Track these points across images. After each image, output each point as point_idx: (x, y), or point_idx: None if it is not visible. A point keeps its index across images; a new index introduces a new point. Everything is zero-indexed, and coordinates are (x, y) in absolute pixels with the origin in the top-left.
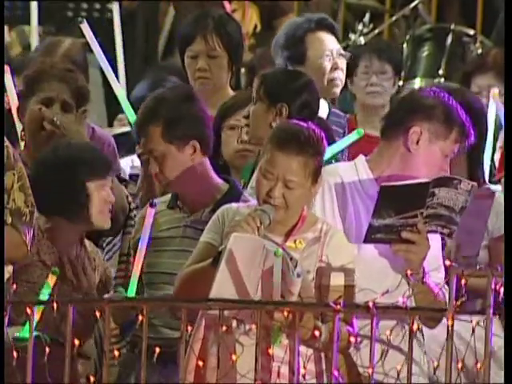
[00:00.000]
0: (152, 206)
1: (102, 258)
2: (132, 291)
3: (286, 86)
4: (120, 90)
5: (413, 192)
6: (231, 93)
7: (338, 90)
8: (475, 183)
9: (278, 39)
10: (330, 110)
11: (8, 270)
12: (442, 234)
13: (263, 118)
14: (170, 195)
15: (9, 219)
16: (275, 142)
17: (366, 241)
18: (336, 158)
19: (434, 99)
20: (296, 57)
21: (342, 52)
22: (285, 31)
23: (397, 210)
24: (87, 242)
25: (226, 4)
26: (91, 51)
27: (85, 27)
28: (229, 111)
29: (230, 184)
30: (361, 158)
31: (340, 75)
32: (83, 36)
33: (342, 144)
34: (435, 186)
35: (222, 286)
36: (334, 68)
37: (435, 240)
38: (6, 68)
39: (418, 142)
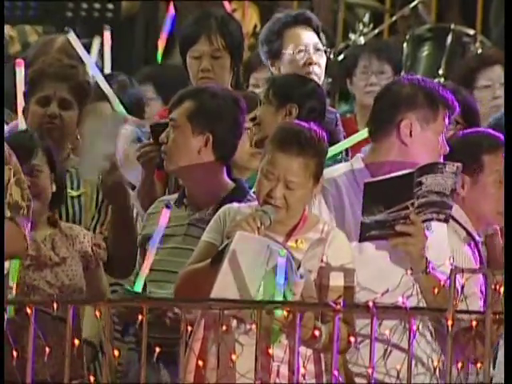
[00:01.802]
0: (168, 207)
1: (88, 237)
2: (138, 287)
3: (294, 90)
4: (113, 96)
5: (398, 184)
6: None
7: None
8: (460, 164)
9: (261, 35)
10: None
11: (5, 266)
12: (438, 220)
13: (273, 119)
14: (177, 194)
15: (7, 213)
16: (276, 143)
17: (361, 239)
18: (336, 159)
19: (411, 86)
20: (273, 52)
21: (320, 47)
22: (266, 26)
23: (386, 205)
24: (67, 225)
25: (226, 4)
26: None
27: (72, 37)
28: None
29: (236, 184)
30: (357, 157)
31: (315, 70)
32: (83, 36)
33: (347, 143)
34: (421, 175)
35: (224, 286)
36: (308, 63)
37: (441, 231)
38: (21, 62)
39: (410, 134)
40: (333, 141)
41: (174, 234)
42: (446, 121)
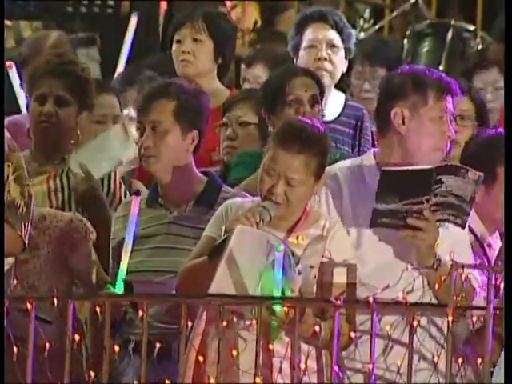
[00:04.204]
0: (137, 194)
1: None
2: (120, 287)
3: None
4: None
5: (415, 178)
6: (218, 84)
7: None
8: (482, 174)
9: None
10: (345, 102)
11: (8, 261)
12: (454, 223)
13: None
14: (146, 193)
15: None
16: (278, 140)
17: (371, 225)
18: (345, 155)
19: (401, 75)
20: (294, 48)
21: (336, 43)
22: (293, 23)
23: (400, 196)
24: (44, 211)
25: (226, 0)
26: (91, 45)
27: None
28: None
29: (208, 177)
30: (370, 152)
31: (326, 66)
32: (83, 31)
33: None
34: (442, 174)
35: (223, 281)
36: (318, 58)
37: (460, 233)
38: (11, 65)
39: (403, 122)
40: (359, 138)
41: (153, 234)
42: (445, 104)
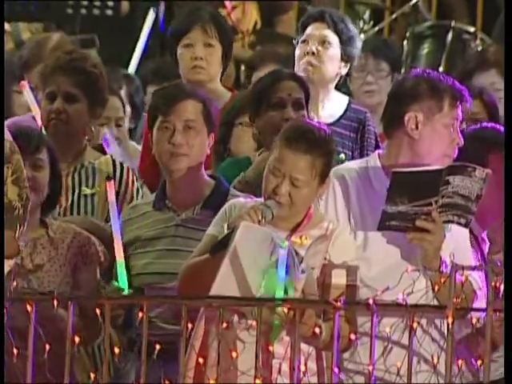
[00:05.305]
0: (109, 179)
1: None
2: (123, 281)
3: None
4: None
5: (425, 179)
6: (220, 87)
7: (307, 74)
8: (489, 170)
9: None
10: (348, 105)
11: (9, 263)
12: (458, 223)
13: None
14: (152, 196)
15: None
16: (284, 140)
17: (380, 227)
18: (339, 159)
19: (415, 79)
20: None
21: (329, 39)
22: None
23: (410, 198)
24: (62, 225)
25: (227, 1)
26: (90, 46)
27: None
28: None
29: (216, 180)
30: (375, 153)
31: (312, 60)
32: (83, 33)
33: None
34: (449, 174)
35: (226, 277)
36: (306, 53)
37: (461, 234)
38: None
39: (417, 127)
40: (361, 141)
41: (160, 236)
42: (457, 111)
